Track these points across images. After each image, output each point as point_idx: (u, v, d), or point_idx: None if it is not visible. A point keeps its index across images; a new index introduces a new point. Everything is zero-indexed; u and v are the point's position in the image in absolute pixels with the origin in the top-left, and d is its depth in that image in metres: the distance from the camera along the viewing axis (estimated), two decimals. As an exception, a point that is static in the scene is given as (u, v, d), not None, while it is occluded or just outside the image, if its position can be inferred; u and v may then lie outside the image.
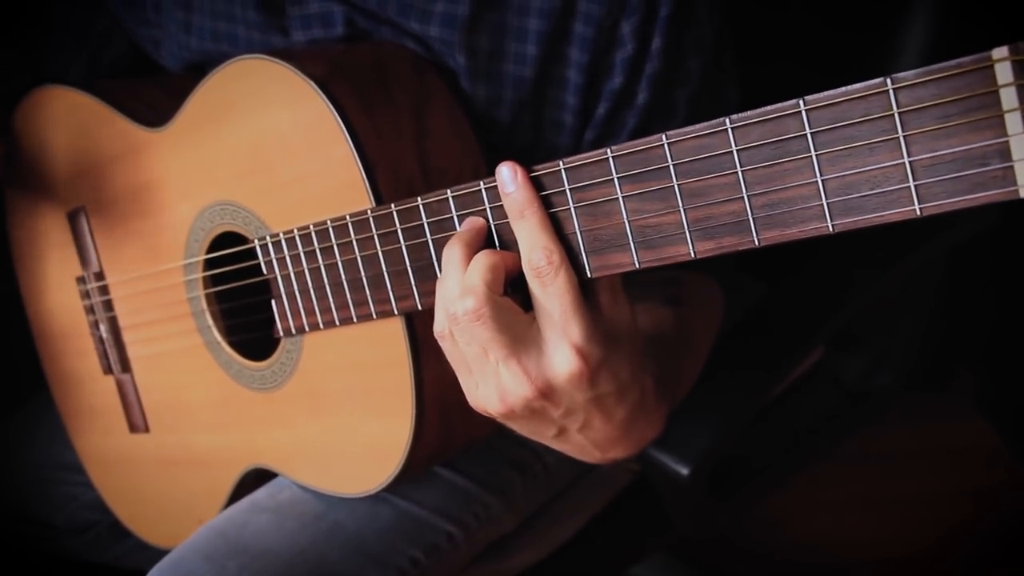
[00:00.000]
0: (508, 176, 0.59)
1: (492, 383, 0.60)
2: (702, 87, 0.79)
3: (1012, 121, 0.42)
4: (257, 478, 0.92)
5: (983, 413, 1.68)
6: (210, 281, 0.89)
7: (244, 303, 0.88)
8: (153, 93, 0.94)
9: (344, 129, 0.72)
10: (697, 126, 0.52)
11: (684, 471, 0.89)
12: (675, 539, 1.24)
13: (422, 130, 0.76)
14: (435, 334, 0.62)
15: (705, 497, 0.95)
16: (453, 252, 0.61)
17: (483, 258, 0.59)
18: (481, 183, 0.61)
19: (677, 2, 0.74)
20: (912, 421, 1.65)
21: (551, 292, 0.57)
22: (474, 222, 0.62)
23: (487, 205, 0.62)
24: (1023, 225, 1.16)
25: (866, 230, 0.48)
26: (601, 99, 0.78)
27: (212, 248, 0.87)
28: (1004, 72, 0.42)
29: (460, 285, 0.59)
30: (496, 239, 0.62)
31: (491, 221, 0.62)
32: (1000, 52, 0.42)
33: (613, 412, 0.62)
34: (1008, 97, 0.42)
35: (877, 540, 1.58)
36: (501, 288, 0.59)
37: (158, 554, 0.90)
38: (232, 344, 0.89)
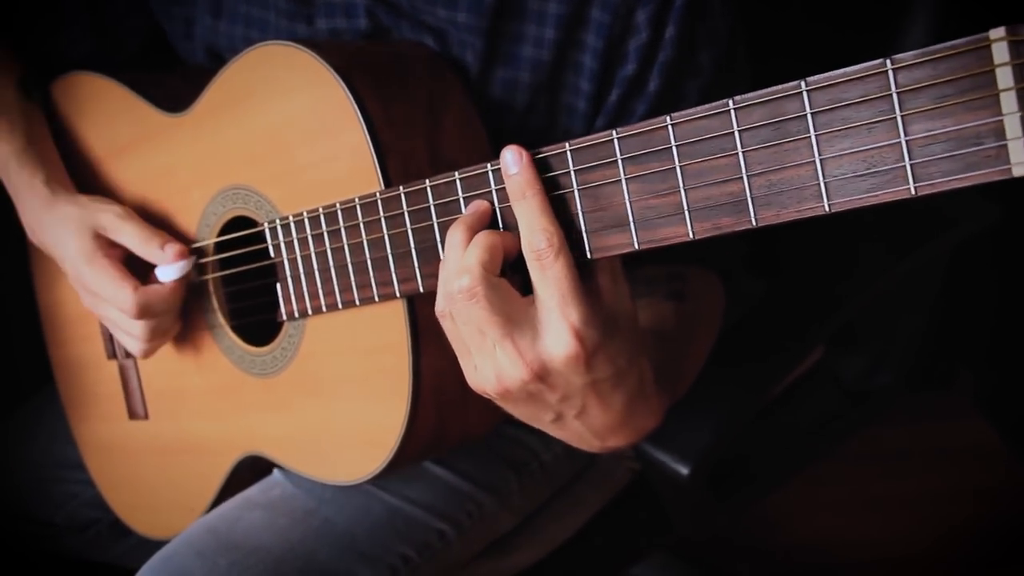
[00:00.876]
0: (512, 158, 0.59)
1: (489, 364, 0.61)
2: (713, 82, 0.79)
3: (1007, 100, 0.43)
4: (251, 472, 0.93)
5: (983, 413, 1.69)
6: (219, 265, 0.90)
7: (249, 287, 0.89)
8: (177, 83, 0.95)
9: (360, 115, 0.73)
10: (700, 107, 0.53)
11: (684, 471, 0.89)
12: (675, 539, 1.24)
13: (435, 125, 0.77)
14: (436, 313, 0.63)
15: (705, 497, 0.95)
16: (456, 234, 0.62)
17: (481, 238, 0.60)
18: (488, 165, 0.63)
19: None
20: (912, 421, 1.65)
21: (550, 275, 0.58)
22: (479, 205, 0.63)
23: (492, 187, 0.63)
24: (1023, 225, 1.17)
25: (862, 211, 0.49)
26: (614, 86, 0.79)
27: (224, 232, 0.88)
28: (1000, 52, 0.43)
29: (458, 264, 0.60)
30: (500, 222, 0.63)
31: (496, 204, 0.63)
32: (997, 32, 0.43)
33: (610, 399, 0.62)
34: (1004, 77, 0.43)
35: (877, 540, 1.59)
36: (498, 268, 0.60)
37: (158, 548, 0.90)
38: (235, 329, 0.90)
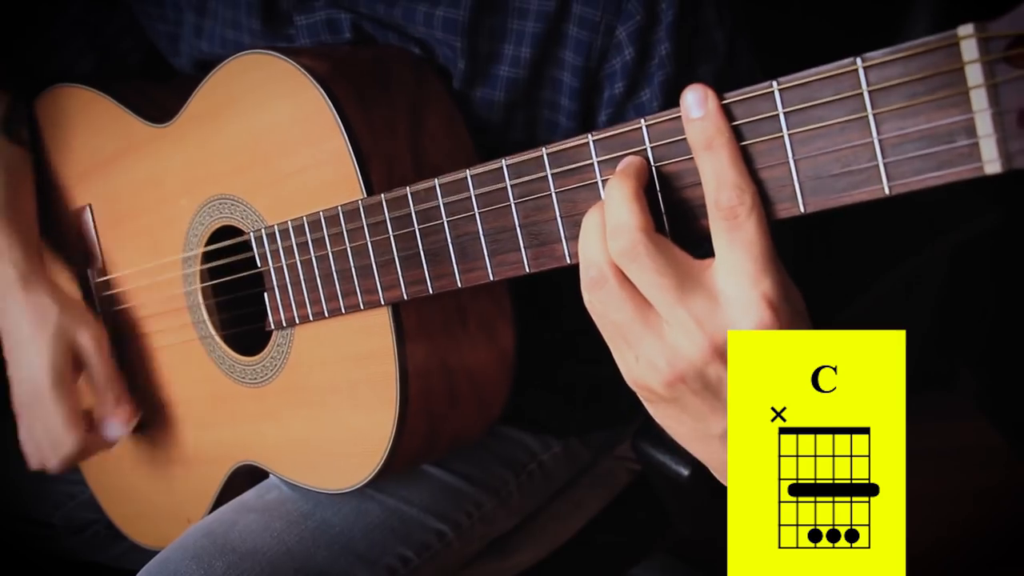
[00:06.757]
0: (697, 99, 0.50)
1: (656, 346, 0.51)
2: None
3: (977, 98, 0.43)
4: (247, 480, 0.93)
5: (985, 412, 1.68)
6: (208, 275, 0.90)
7: (239, 296, 0.89)
8: (163, 93, 0.95)
9: (340, 122, 0.72)
10: (673, 109, 0.52)
11: (684, 471, 0.89)
12: (675, 539, 1.24)
13: (418, 130, 0.76)
14: (585, 300, 0.54)
15: (706, 497, 0.94)
16: (620, 186, 0.51)
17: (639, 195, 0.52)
18: (467, 171, 0.62)
19: (680, 8, 0.74)
20: (912, 421, 1.63)
21: (742, 237, 0.49)
22: (636, 159, 0.54)
23: (472, 193, 0.62)
24: (1023, 225, 1.16)
25: (837, 210, 0.49)
26: (602, 106, 0.78)
27: (211, 242, 0.88)
28: (969, 49, 0.43)
29: (612, 223, 0.51)
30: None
31: (477, 209, 0.62)
32: (966, 29, 0.43)
33: None
34: (973, 74, 0.43)
35: (878, 540, 1.57)
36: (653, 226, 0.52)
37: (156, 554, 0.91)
38: (226, 339, 0.90)
